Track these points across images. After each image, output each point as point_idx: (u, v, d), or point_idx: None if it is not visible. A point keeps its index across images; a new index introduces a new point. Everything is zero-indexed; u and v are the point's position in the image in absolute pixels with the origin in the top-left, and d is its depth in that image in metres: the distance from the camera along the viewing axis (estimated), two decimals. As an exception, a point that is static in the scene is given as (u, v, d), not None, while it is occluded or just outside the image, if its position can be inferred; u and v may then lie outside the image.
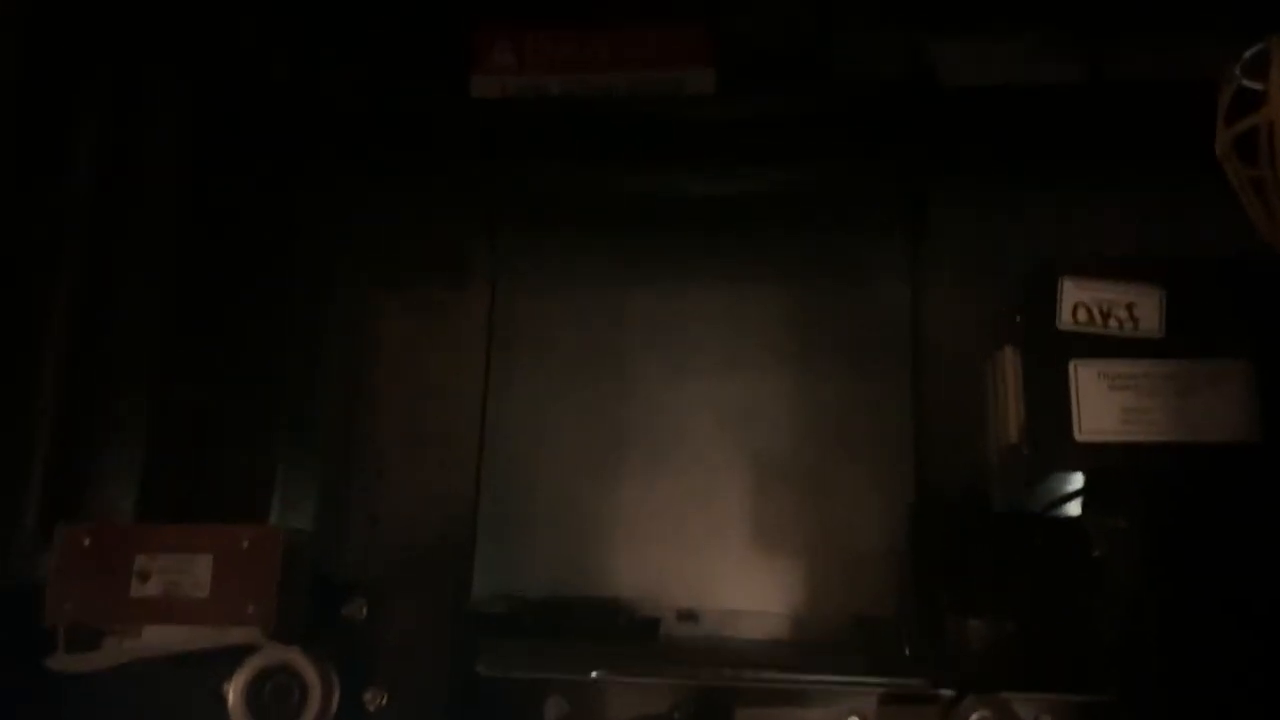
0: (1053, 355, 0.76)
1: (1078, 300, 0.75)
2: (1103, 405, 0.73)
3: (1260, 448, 0.72)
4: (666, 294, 1.46)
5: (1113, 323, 0.75)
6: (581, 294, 1.47)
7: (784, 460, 1.35)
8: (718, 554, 1.33)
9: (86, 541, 0.77)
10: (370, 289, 1.49)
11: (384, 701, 0.80)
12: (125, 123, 1.14)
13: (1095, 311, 0.75)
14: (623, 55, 1.31)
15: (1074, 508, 0.82)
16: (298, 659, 0.78)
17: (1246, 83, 0.82)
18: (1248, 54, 0.81)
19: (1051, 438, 0.74)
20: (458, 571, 1.35)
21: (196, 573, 0.75)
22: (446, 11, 1.30)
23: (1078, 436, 0.74)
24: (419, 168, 1.39)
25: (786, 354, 1.42)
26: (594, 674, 0.98)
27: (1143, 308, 0.75)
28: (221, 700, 0.78)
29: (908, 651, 1.03)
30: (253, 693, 0.77)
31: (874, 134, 1.31)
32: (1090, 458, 0.74)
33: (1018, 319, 0.80)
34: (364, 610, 0.82)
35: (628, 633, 1.37)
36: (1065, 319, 0.75)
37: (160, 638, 0.76)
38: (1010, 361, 0.80)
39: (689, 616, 1.33)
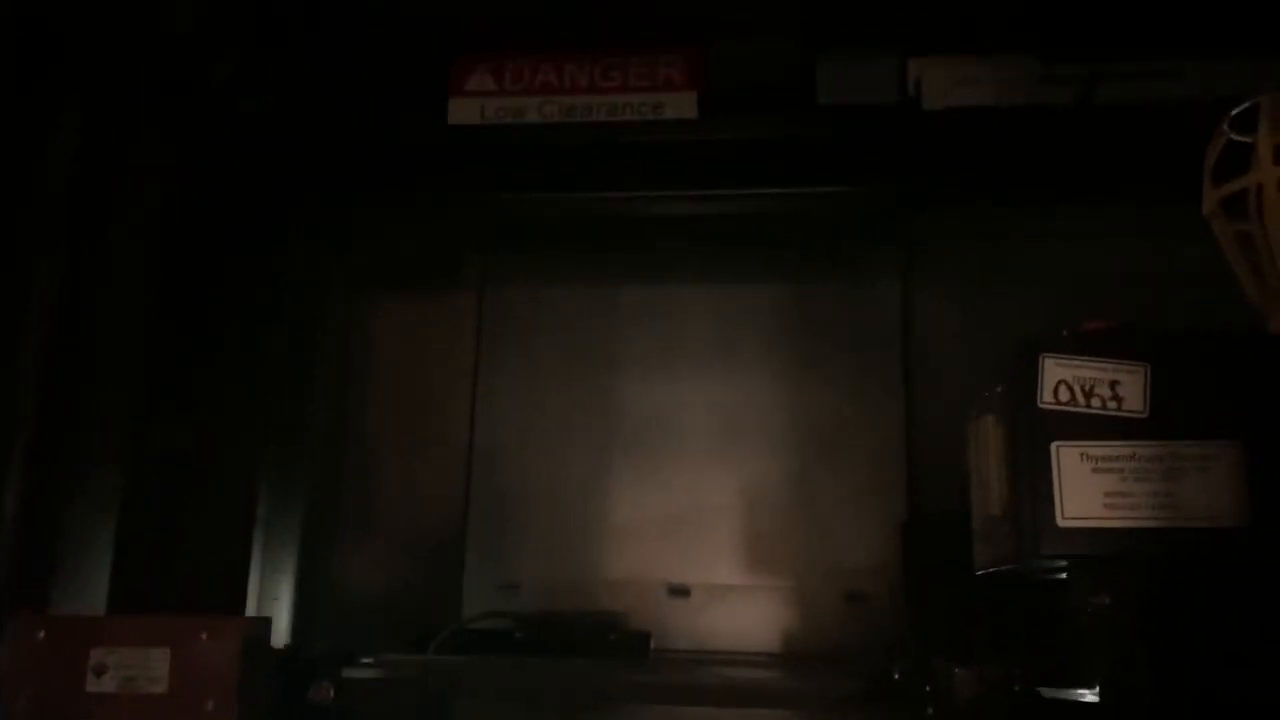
0: (1034, 434, 0.73)
1: (1059, 378, 0.73)
2: (1086, 488, 0.70)
3: (1249, 532, 0.69)
4: (655, 300, 1.46)
5: (1095, 401, 0.72)
6: (569, 300, 1.47)
7: (772, 452, 1.37)
8: (708, 536, 1.36)
9: (41, 634, 0.75)
10: (359, 302, 1.48)
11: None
12: (102, 147, 1.11)
13: (1077, 390, 0.72)
14: (603, 80, 1.28)
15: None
16: (261, 752, 0.76)
17: (1235, 136, 0.79)
18: (1236, 110, 0.78)
19: (1033, 522, 0.72)
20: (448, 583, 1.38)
21: (153, 667, 0.73)
22: (426, 39, 1.28)
23: (1060, 522, 0.72)
24: (400, 188, 1.37)
25: (776, 361, 1.42)
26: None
27: (1126, 385, 0.72)
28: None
29: (896, 676, 1.02)
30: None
31: (859, 157, 1.29)
32: (1073, 543, 0.71)
33: (999, 390, 0.77)
34: (330, 692, 0.79)
35: (618, 648, 1.37)
36: (1047, 397, 0.73)
37: (119, 733, 0.74)
38: (993, 434, 0.78)
39: (681, 592, 1.38)
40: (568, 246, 1.46)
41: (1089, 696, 0.80)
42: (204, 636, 0.74)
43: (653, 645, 1.37)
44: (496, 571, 1.39)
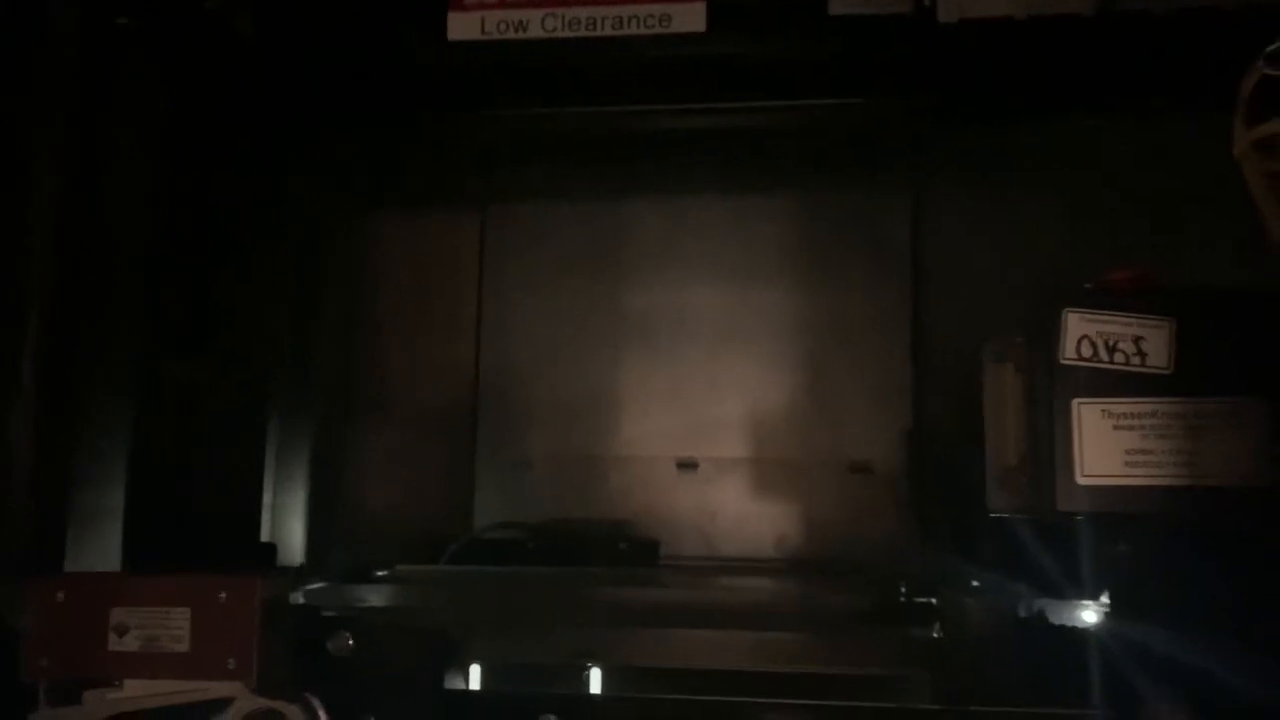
0: (1056, 390, 0.72)
1: (1082, 333, 0.71)
2: (1107, 445, 0.70)
3: (1275, 491, 0.69)
4: (663, 210, 1.45)
5: (1119, 357, 0.71)
6: (574, 214, 1.46)
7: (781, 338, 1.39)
8: (717, 411, 1.38)
9: (60, 595, 0.75)
10: (361, 221, 1.47)
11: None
12: (96, 86, 1.08)
13: (1100, 345, 0.71)
14: (608, -10, 1.23)
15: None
16: (283, 705, 0.76)
17: (1270, 72, 0.77)
18: (1271, 48, 0.76)
19: (1052, 478, 0.71)
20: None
21: (175, 626, 0.74)
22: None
23: (1079, 480, 0.71)
24: (399, 106, 1.34)
25: (786, 263, 1.42)
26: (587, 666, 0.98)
27: (1151, 341, 0.71)
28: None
29: (903, 593, 1.03)
30: (242, 738, 0.77)
31: (872, 70, 1.25)
32: (1093, 500, 0.71)
33: (1018, 340, 0.76)
34: (349, 642, 0.80)
35: (628, 557, 1.40)
36: (1069, 353, 0.72)
37: (143, 691, 0.75)
38: (1011, 385, 0.77)
39: (689, 465, 1.39)
40: (572, 161, 1.43)
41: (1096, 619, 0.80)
42: (223, 596, 0.74)
43: (662, 550, 1.40)
44: (509, 451, 1.41)
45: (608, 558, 1.38)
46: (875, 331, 1.36)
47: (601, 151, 1.43)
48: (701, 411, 1.39)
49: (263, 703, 0.76)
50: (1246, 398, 0.70)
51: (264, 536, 1.35)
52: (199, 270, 1.22)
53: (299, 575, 1.33)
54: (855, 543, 1.33)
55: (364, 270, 1.48)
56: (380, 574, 1.36)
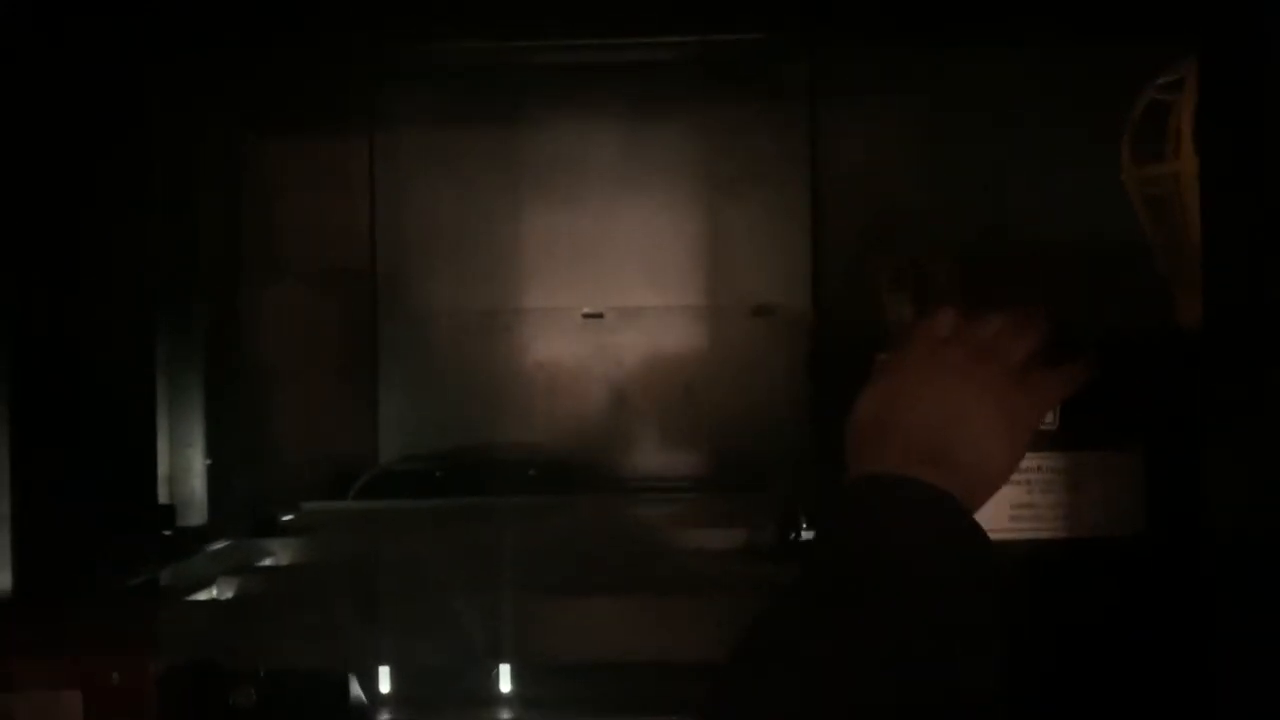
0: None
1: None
2: (995, 501, 0.71)
3: (1148, 539, 0.71)
4: (556, 136, 1.44)
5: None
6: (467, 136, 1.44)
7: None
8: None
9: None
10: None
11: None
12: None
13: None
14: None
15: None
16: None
17: (1159, 96, 0.76)
18: (1162, 80, 0.74)
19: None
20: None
21: (66, 713, 0.73)
22: None
23: (966, 536, 0.72)
24: (274, 41, 1.28)
25: (685, 171, 1.44)
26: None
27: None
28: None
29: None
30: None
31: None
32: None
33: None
34: (252, 696, 0.80)
35: (539, 484, 1.43)
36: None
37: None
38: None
39: (595, 316, 1.43)
40: (460, 91, 1.42)
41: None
42: (116, 677, 0.73)
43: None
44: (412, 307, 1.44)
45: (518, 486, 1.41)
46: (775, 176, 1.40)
47: (490, 82, 1.41)
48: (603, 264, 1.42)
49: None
50: (1121, 450, 0.71)
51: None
52: (66, 211, 1.15)
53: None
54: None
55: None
56: (287, 518, 1.36)
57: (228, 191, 1.41)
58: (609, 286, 1.42)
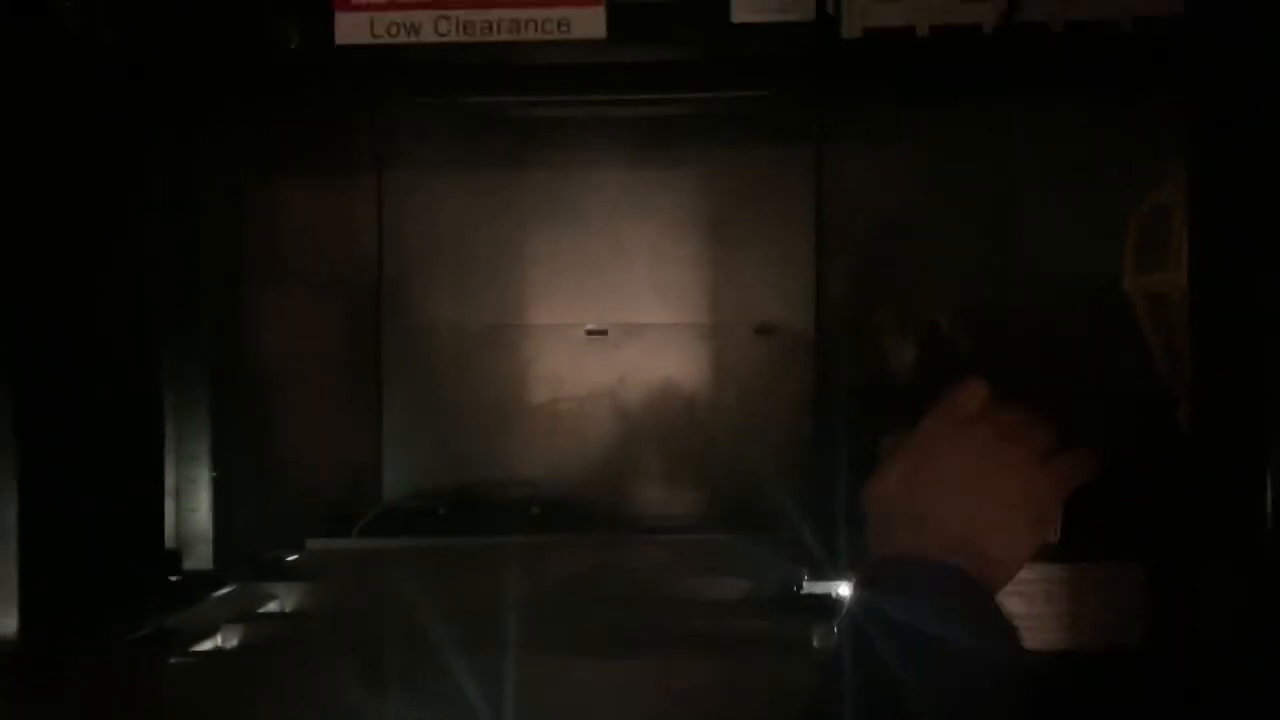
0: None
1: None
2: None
3: (1149, 652, 0.72)
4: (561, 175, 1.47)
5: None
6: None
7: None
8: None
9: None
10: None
11: None
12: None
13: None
14: (503, -9, 1.18)
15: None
16: None
17: (1156, 207, 0.78)
18: (1160, 190, 0.76)
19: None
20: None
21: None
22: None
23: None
24: (283, 105, 1.29)
25: (689, 225, 1.47)
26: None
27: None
28: None
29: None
30: None
31: (774, 71, 1.23)
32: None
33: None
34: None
35: (541, 522, 1.44)
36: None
37: None
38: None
39: (598, 333, 1.46)
40: (467, 145, 1.45)
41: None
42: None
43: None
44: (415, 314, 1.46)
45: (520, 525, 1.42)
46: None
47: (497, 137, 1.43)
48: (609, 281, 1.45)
49: None
50: (1122, 562, 0.73)
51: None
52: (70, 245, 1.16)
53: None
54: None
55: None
56: (291, 559, 1.38)
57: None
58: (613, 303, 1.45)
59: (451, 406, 1.46)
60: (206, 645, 1.12)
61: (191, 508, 1.38)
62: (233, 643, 1.13)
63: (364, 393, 1.48)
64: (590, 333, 1.45)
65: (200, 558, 1.36)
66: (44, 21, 1.07)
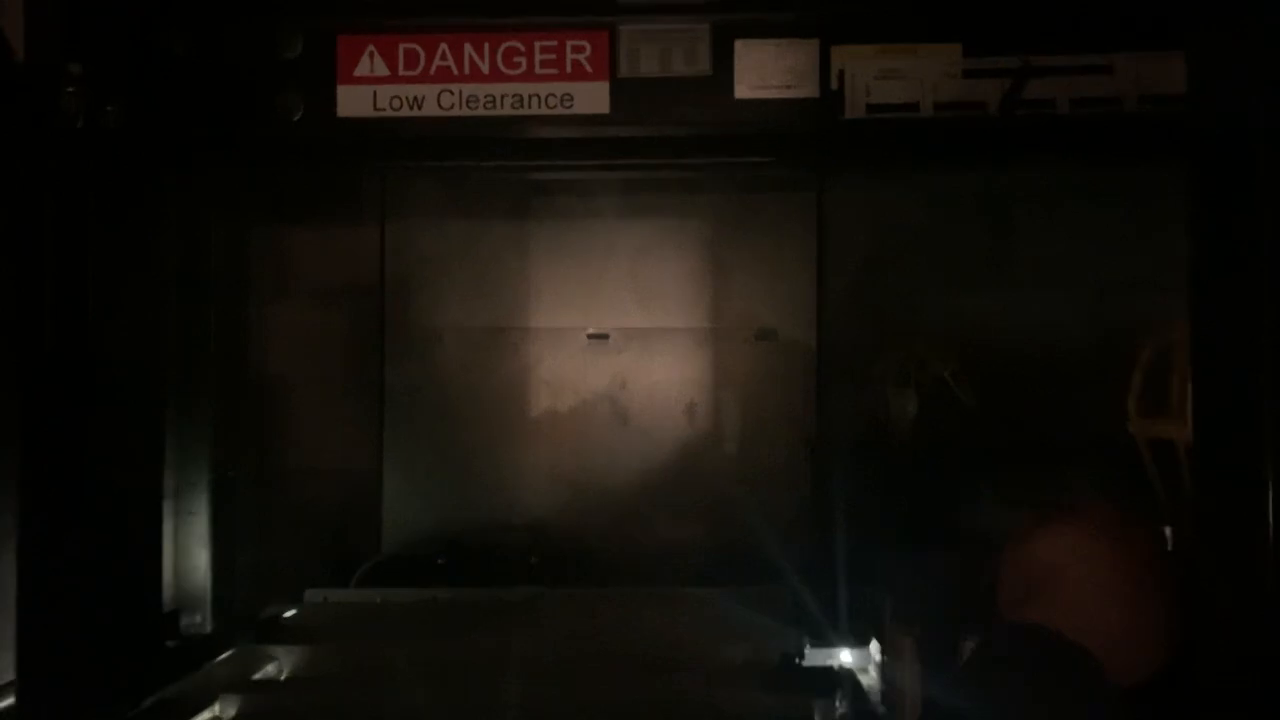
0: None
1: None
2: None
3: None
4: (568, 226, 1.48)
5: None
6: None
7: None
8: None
9: None
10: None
11: None
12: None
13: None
14: (507, 66, 1.18)
15: None
16: None
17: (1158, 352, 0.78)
18: (1163, 337, 0.76)
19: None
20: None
21: None
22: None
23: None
24: (287, 172, 1.30)
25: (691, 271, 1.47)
26: None
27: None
28: None
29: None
30: None
31: (776, 142, 1.23)
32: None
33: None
34: None
35: (539, 571, 1.45)
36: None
37: None
38: (908, 653, 0.79)
39: (600, 337, 1.47)
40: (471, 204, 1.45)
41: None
42: None
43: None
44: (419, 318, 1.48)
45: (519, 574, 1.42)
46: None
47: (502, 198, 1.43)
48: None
49: None
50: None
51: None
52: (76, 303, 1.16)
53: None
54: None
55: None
56: (289, 614, 1.37)
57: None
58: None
59: (452, 406, 1.47)
60: (205, 716, 1.11)
61: (191, 566, 1.38)
62: (230, 713, 1.12)
63: (365, 394, 1.47)
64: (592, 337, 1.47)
65: (198, 617, 1.35)
66: (54, 119, 1.06)
